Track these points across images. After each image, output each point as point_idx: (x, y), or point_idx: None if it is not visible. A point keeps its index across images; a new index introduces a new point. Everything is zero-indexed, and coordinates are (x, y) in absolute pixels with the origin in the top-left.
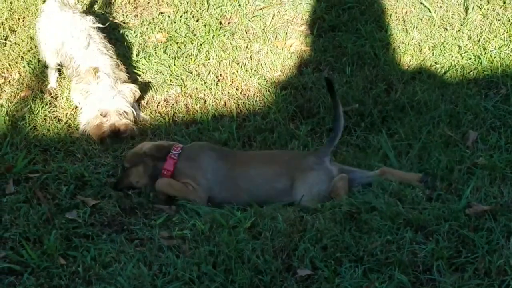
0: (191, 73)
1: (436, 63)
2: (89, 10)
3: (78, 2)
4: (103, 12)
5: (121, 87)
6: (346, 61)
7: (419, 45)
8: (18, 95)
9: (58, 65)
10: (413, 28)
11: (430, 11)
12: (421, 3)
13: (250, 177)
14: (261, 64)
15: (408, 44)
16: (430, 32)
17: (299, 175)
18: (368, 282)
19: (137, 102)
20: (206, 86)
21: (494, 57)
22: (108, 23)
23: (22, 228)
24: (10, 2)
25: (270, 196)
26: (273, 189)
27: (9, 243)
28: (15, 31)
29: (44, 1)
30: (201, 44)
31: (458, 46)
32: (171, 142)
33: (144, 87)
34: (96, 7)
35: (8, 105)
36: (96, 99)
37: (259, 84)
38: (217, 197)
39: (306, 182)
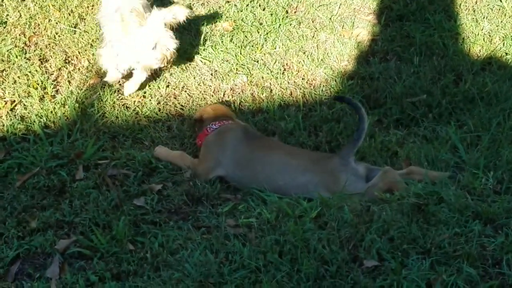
0: (257, 62)
1: (506, 53)
2: None
3: None
4: (170, 0)
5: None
6: (414, 51)
7: (489, 35)
8: (87, 82)
9: None
10: (483, 18)
11: (501, 1)
12: None
13: (271, 163)
14: (327, 53)
15: (478, 34)
16: (501, 22)
17: (326, 178)
18: (436, 275)
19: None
20: (272, 75)
21: None
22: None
23: (91, 213)
24: None
25: (287, 186)
26: (293, 181)
27: (79, 228)
28: (84, 19)
29: None
30: (267, 33)
31: None
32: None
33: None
34: None
35: (77, 92)
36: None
37: (325, 73)
38: (232, 176)
39: (336, 185)
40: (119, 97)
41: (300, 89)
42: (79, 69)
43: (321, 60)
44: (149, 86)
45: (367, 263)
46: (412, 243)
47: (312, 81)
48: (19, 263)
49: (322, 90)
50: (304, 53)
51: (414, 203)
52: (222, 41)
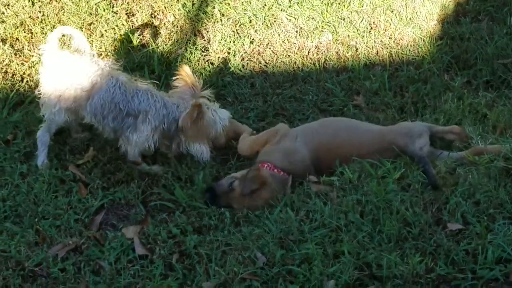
0: (344, 20)
1: None
2: None
3: None
4: None
5: None
6: (507, 11)
7: None
8: (172, 37)
9: None
10: None
11: None
12: None
13: None
14: (416, 12)
15: None
16: None
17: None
18: None
19: None
20: (359, 34)
21: None
22: None
23: (173, 167)
24: None
25: None
26: None
27: (162, 180)
28: None
29: None
30: None
31: None
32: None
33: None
34: None
35: (163, 47)
36: None
37: (413, 33)
38: None
39: None
40: (204, 53)
41: (387, 48)
42: (164, 24)
43: (410, 19)
44: (234, 42)
45: (451, 226)
46: (499, 208)
47: (399, 40)
48: (103, 213)
49: (409, 50)
50: (392, 11)
51: (503, 167)
52: None
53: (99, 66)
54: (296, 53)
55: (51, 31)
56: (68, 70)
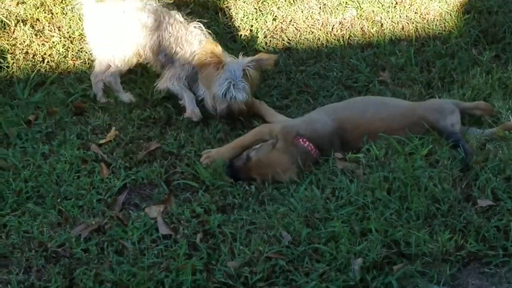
0: None
1: None
2: None
3: None
4: None
5: None
6: None
7: None
8: (195, 15)
9: None
10: None
11: None
12: None
13: None
14: None
15: None
16: None
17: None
18: None
19: None
20: (384, 9)
21: None
22: None
23: (197, 145)
24: None
25: None
26: None
27: (185, 160)
28: None
29: None
30: None
31: None
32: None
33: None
34: None
35: None
36: None
37: (440, 7)
38: None
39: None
40: (226, 29)
41: (413, 23)
42: (186, 1)
43: None
44: (256, 20)
45: (481, 202)
46: None
47: (425, 15)
48: (126, 193)
49: (436, 24)
50: None
51: None
52: None
53: (154, 4)
54: (320, 30)
55: (71, 11)
56: (126, 16)
